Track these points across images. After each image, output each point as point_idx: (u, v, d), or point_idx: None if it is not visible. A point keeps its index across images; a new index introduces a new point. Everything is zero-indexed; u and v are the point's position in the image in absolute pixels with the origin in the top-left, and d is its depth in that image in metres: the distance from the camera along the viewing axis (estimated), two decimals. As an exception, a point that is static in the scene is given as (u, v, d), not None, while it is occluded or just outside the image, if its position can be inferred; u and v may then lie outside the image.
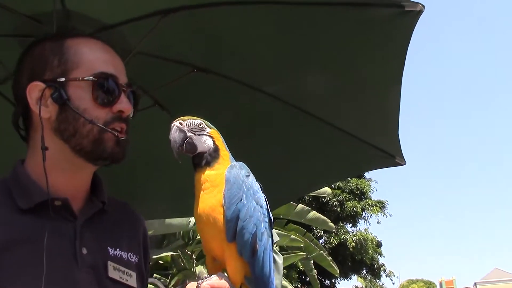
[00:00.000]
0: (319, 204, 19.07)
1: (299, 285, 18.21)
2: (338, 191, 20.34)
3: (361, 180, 21.16)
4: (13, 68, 1.11)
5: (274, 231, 6.81)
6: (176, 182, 2.13)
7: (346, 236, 20.42)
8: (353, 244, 20.32)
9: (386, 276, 22.94)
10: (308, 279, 13.53)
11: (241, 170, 1.16)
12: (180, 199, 2.17)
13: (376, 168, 2.46)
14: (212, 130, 1.20)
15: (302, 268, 13.37)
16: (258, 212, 1.14)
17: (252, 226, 1.12)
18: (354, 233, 21.00)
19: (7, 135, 1.25)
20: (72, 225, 1.01)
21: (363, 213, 21.22)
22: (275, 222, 9.45)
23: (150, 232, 5.60)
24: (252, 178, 1.18)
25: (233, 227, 1.10)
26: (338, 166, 2.44)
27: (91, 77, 1.01)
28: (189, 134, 1.17)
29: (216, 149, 1.18)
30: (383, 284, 23.82)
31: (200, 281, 1.06)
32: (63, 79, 1.01)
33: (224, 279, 1.08)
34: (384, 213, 21.61)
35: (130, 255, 1.10)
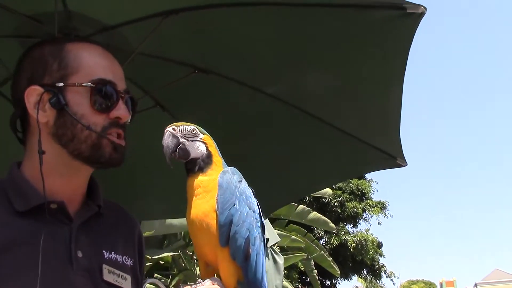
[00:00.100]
0: (320, 205, 19.08)
1: (299, 286, 18.21)
2: (339, 192, 20.35)
3: (361, 180, 21.16)
4: (14, 69, 1.11)
5: (275, 231, 6.84)
6: (176, 182, 2.13)
7: (346, 236, 20.44)
8: (354, 244, 20.34)
9: (387, 277, 23.00)
10: (308, 280, 13.53)
11: (234, 176, 1.18)
12: (180, 200, 2.17)
13: (377, 169, 2.46)
14: (205, 136, 1.22)
15: (302, 269, 13.39)
16: (250, 217, 1.16)
17: (245, 230, 1.14)
18: (354, 234, 21.01)
19: (7, 135, 1.25)
20: (68, 228, 1.01)
21: (364, 213, 21.24)
22: (276, 223, 9.48)
23: (151, 233, 5.62)
24: (244, 183, 1.19)
25: (226, 232, 1.12)
26: (339, 167, 2.44)
27: (90, 83, 1.02)
28: (182, 140, 1.18)
29: (209, 155, 1.19)
30: (383, 284, 23.84)
31: (194, 286, 1.08)
32: (61, 84, 1.01)
33: (217, 284, 1.10)
34: (385, 214, 21.63)
35: (125, 258, 1.10)
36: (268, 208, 2.56)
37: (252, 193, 1.21)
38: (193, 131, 1.20)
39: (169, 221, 5.37)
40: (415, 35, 1.61)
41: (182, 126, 1.20)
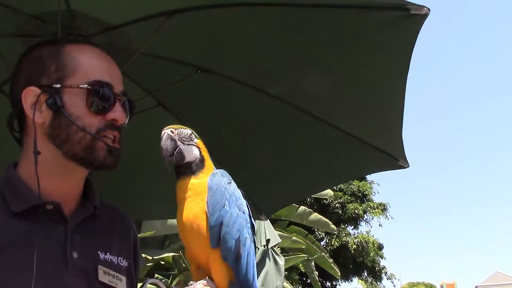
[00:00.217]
0: (321, 206, 19.06)
1: (300, 287, 18.20)
2: (340, 193, 20.34)
3: (363, 182, 21.14)
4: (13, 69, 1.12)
5: (276, 232, 6.84)
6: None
7: (347, 238, 20.41)
8: (355, 246, 20.31)
9: (387, 279, 22.92)
10: (309, 281, 13.51)
11: (223, 178, 1.19)
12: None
13: (379, 170, 2.46)
14: (198, 140, 1.23)
15: (303, 270, 13.38)
16: (241, 218, 1.18)
17: (236, 231, 1.15)
18: (355, 236, 20.98)
19: (9, 135, 1.25)
20: (63, 229, 1.02)
21: (365, 215, 21.21)
22: (277, 224, 9.48)
23: (152, 233, 5.63)
24: (234, 185, 1.21)
25: (217, 233, 1.13)
26: (340, 168, 2.43)
27: (86, 85, 1.02)
28: (179, 143, 1.20)
29: (202, 160, 1.21)
30: (384, 286, 23.76)
31: None
32: (58, 86, 1.02)
33: (210, 285, 1.11)
34: (386, 216, 21.60)
35: (120, 259, 1.11)
36: (269, 209, 2.56)
37: (241, 195, 1.23)
38: (190, 135, 1.22)
39: (170, 221, 5.38)
40: (418, 35, 1.61)
41: (179, 129, 1.22)
